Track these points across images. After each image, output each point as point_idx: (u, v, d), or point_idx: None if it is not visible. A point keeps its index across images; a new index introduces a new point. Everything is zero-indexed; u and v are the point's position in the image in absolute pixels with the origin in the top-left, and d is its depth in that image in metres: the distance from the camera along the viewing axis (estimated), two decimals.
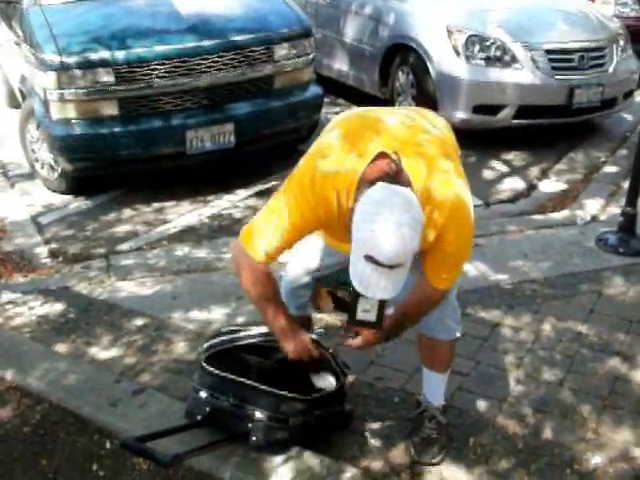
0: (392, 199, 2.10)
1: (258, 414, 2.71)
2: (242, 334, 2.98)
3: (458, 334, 2.88)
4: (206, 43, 5.56)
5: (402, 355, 3.43)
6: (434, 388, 2.99)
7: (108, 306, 4.14)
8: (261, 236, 2.47)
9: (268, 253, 2.48)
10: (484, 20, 6.70)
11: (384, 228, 2.05)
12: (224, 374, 2.78)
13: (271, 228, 2.45)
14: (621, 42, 7.20)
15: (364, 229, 2.09)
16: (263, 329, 2.92)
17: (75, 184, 5.91)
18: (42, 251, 5.04)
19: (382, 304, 2.29)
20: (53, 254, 5.00)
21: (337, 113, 7.53)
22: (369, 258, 2.08)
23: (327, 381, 2.83)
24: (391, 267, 2.08)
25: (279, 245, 2.47)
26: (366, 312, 2.32)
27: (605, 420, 3.15)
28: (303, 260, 2.98)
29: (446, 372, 2.96)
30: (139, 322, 3.96)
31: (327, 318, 3.38)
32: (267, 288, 2.59)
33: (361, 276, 2.13)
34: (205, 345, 2.98)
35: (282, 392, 2.70)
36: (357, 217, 2.13)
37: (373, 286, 2.13)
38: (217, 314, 4.01)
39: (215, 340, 2.97)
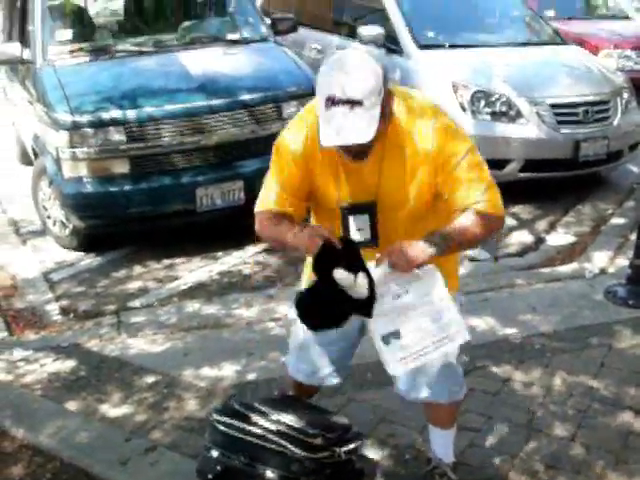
0: (348, 53, 2.27)
1: (269, 473, 2.70)
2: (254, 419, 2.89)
3: (461, 396, 2.85)
4: (215, 102, 5.65)
5: (412, 411, 3.42)
6: (442, 444, 2.98)
7: (119, 363, 4.16)
8: (266, 193, 2.62)
9: (275, 200, 2.57)
10: (489, 76, 6.80)
11: (338, 70, 2.19)
12: (235, 433, 2.78)
13: (270, 183, 2.61)
14: (625, 95, 7.28)
15: (322, 79, 2.22)
16: (277, 417, 2.85)
17: (86, 241, 5.96)
18: (53, 308, 5.07)
19: (373, 222, 2.37)
20: (64, 311, 5.03)
21: None
22: (329, 101, 2.17)
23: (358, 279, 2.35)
24: (350, 103, 2.14)
25: (279, 190, 2.56)
26: (360, 231, 2.37)
27: (618, 476, 3.13)
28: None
29: (451, 428, 2.96)
30: (150, 379, 3.97)
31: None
32: (274, 221, 2.59)
33: (330, 125, 2.18)
34: (215, 416, 2.93)
35: (294, 451, 2.69)
36: (318, 77, 2.26)
37: (343, 130, 2.16)
38: (228, 371, 4.02)
39: (226, 419, 2.90)
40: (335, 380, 2.96)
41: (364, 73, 2.19)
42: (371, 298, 2.31)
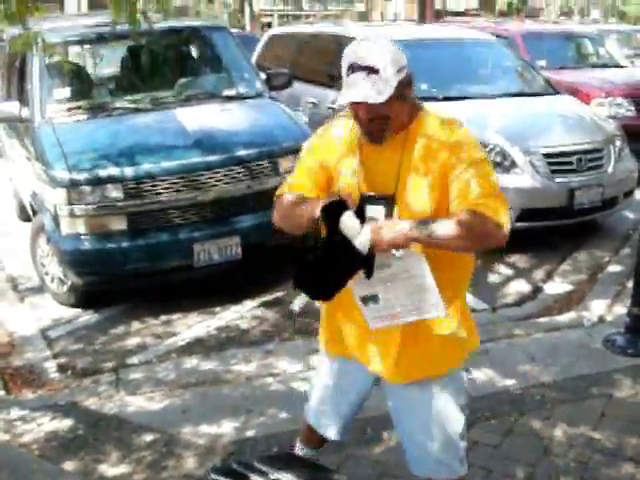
0: (374, 35, 2.47)
1: None
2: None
3: (462, 472, 2.77)
4: (212, 158, 5.70)
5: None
6: None
7: (117, 421, 4.14)
8: (284, 183, 2.75)
9: (290, 185, 2.68)
10: (483, 126, 6.87)
11: (362, 44, 2.39)
12: None
13: (290, 178, 2.75)
14: (618, 142, 7.36)
15: (347, 51, 2.40)
16: (276, 476, 2.84)
17: (84, 298, 5.96)
18: (51, 365, 5.05)
19: (389, 214, 2.41)
20: (62, 368, 5.00)
21: None
22: (350, 69, 2.36)
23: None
24: (368, 70, 2.31)
25: (296, 179, 2.68)
26: (372, 221, 2.35)
27: None
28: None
29: None
30: (148, 437, 3.95)
31: None
32: (288, 202, 2.62)
33: (348, 89, 2.34)
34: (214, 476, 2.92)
35: None
36: (345, 50, 2.42)
37: (358, 90, 2.32)
38: (227, 428, 4.00)
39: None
40: (335, 436, 2.98)
41: (384, 47, 2.38)
42: (371, 257, 2.32)
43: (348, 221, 2.30)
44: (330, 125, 2.71)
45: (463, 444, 2.74)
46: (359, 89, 2.32)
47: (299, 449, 3.19)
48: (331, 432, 2.99)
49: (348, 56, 2.38)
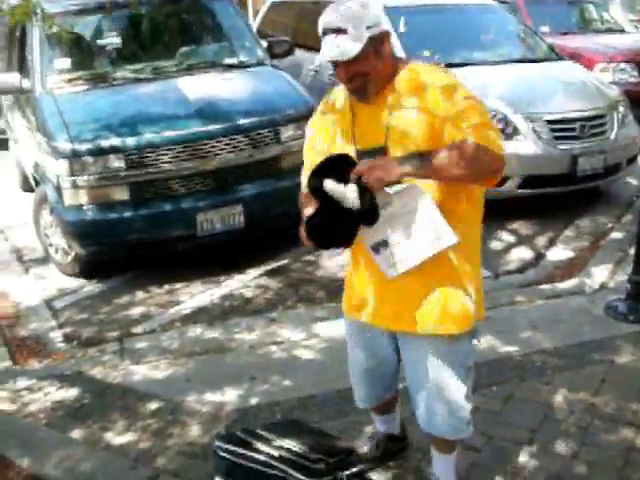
0: None
1: None
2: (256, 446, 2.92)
3: (464, 434, 2.87)
4: (213, 127, 5.70)
5: (415, 434, 3.43)
6: (443, 467, 3.02)
7: (122, 390, 4.18)
8: (302, 179, 2.77)
9: (304, 183, 2.71)
10: (485, 93, 6.79)
11: (331, 7, 2.50)
12: (238, 460, 2.80)
13: (303, 169, 2.81)
14: (621, 109, 7.31)
15: (321, 17, 2.51)
16: (279, 443, 2.88)
17: (88, 268, 6.00)
18: (56, 335, 5.09)
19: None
20: (67, 338, 5.05)
21: None
22: (323, 33, 2.49)
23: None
24: (336, 31, 2.43)
25: (305, 172, 2.74)
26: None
27: None
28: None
29: (452, 453, 2.99)
30: (153, 406, 3.99)
31: None
32: (301, 204, 2.68)
33: (324, 48, 2.47)
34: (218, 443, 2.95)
35: (297, 477, 2.72)
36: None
37: (330, 49, 2.45)
38: (231, 395, 4.04)
39: (229, 446, 2.92)
40: (388, 395, 3.13)
41: (350, 9, 2.47)
42: (369, 209, 2.39)
43: (330, 186, 2.39)
44: (322, 102, 2.82)
45: (469, 406, 2.81)
46: (331, 48, 2.45)
47: (378, 422, 3.36)
48: (385, 395, 3.11)
49: (320, 22, 2.51)
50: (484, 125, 2.44)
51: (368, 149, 2.56)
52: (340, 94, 2.72)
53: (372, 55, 2.49)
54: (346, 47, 2.42)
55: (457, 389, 2.75)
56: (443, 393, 2.74)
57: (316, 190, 2.44)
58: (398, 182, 2.41)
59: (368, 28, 2.45)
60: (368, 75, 2.51)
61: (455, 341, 2.70)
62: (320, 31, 2.51)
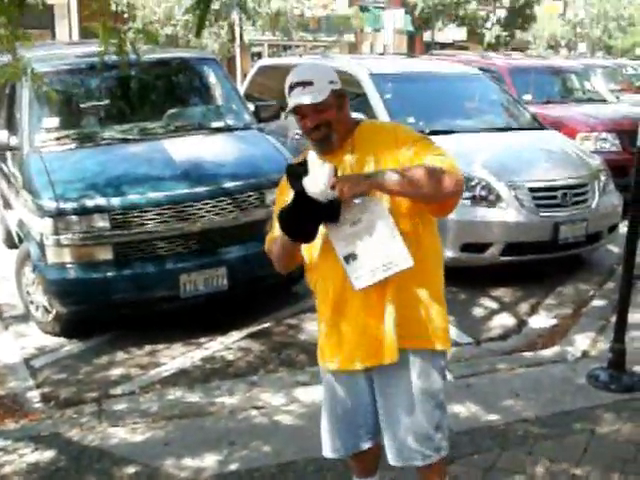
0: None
1: None
2: None
3: (434, 459, 2.94)
4: (199, 189, 5.73)
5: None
6: None
7: (99, 453, 4.12)
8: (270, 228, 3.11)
9: (270, 236, 3.04)
10: (469, 161, 6.91)
11: (296, 69, 2.85)
12: None
13: (273, 222, 3.00)
14: (602, 177, 7.43)
15: (287, 79, 2.82)
16: None
17: (69, 326, 5.94)
18: (34, 395, 5.02)
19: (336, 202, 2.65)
20: (45, 398, 4.98)
21: None
22: (290, 88, 2.78)
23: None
24: (303, 84, 2.74)
25: (273, 228, 2.98)
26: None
27: None
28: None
29: None
30: (130, 470, 3.93)
31: None
32: (269, 248, 3.08)
33: (291, 99, 2.76)
34: None
35: None
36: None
37: (298, 98, 2.74)
38: (209, 461, 3.99)
39: None
40: (370, 443, 3.09)
41: (315, 66, 3.01)
42: (333, 205, 2.65)
43: (311, 157, 2.66)
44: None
45: (445, 422, 2.97)
46: (299, 97, 2.74)
47: None
48: (364, 444, 3.08)
49: (288, 80, 2.81)
50: (441, 155, 2.75)
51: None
52: (305, 154, 2.85)
53: (334, 106, 2.79)
54: (313, 94, 2.73)
55: (436, 403, 2.89)
56: (423, 407, 2.86)
57: (293, 184, 2.68)
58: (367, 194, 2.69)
59: (330, 82, 2.80)
60: (331, 125, 2.78)
61: (436, 358, 2.89)
62: (288, 87, 2.80)
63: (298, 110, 2.78)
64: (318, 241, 2.79)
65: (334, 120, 2.78)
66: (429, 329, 2.85)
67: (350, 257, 2.74)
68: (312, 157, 2.66)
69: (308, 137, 2.84)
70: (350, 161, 2.82)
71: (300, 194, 2.64)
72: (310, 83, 2.75)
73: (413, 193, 2.66)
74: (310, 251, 2.89)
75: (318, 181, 2.60)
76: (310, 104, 2.73)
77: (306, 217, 2.68)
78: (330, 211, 2.67)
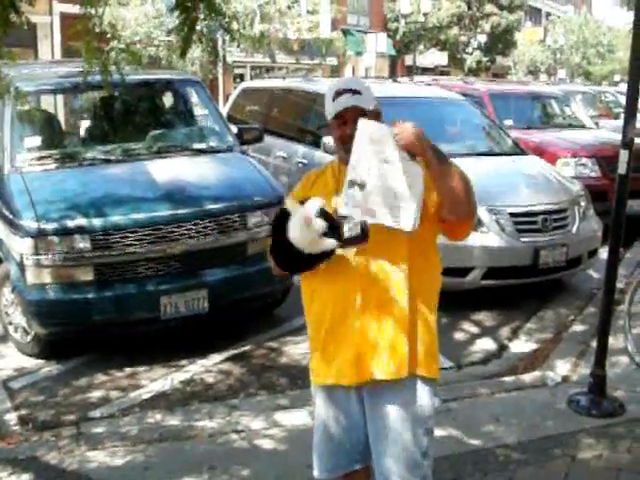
0: None
1: None
2: None
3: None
4: (181, 211, 5.72)
5: None
6: None
7: (77, 477, 4.07)
8: None
9: None
10: None
11: (341, 79, 2.91)
12: None
13: None
14: (582, 203, 7.49)
15: (329, 88, 2.92)
16: None
17: (48, 348, 5.88)
18: (11, 418, 4.97)
19: (364, 223, 2.64)
20: (23, 421, 4.92)
21: None
22: (336, 94, 2.84)
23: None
24: (351, 91, 2.84)
25: None
26: (351, 230, 2.66)
27: None
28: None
29: None
30: None
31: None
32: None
33: (337, 103, 2.84)
34: None
35: None
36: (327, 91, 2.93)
37: (345, 99, 2.82)
38: None
39: None
40: (359, 465, 3.04)
41: (360, 80, 3.11)
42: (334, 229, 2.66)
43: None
44: (305, 177, 3.07)
45: (432, 450, 2.93)
46: (347, 100, 2.82)
47: None
48: (355, 465, 3.04)
49: (333, 88, 2.89)
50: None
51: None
52: (324, 169, 3.01)
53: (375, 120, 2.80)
54: (361, 101, 2.83)
55: (424, 430, 2.87)
56: (405, 443, 2.83)
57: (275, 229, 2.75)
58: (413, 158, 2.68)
59: (374, 98, 2.90)
60: None
61: (427, 385, 2.88)
62: (333, 93, 2.86)
63: (341, 115, 2.83)
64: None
65: None
66: (423, 356, 2.85)
67: (357, 185, 2.67)
68: (289, 203, 2.73)
69: (343, 145, 2.84)
70: None
71: (280, 238, 2.71)
72: (359, 92, 2.85)
73: (447, 188, 2.72)
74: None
75: (294, 227, 2.66)
76: (358, 108, 2.80)
77: (292, 258, 2.73)
78: (311, 260, 2.72)
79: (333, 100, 2.86)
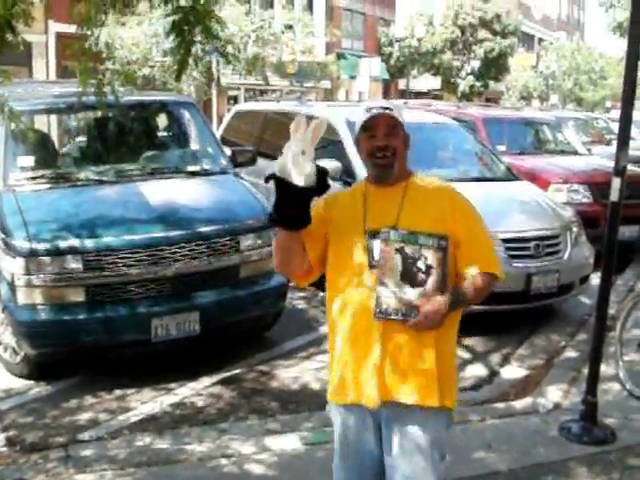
0: None
1: None
2: None
3: None
4: (174, 233, 5.71)
5: None
6: None
7: None
8: None
9: None
10: None
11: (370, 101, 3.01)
12: None
13: None
14: (574, 229, 7.51)
15: (361, 109, 2.96)
16: None
17: (37, 369, 5.85)
18: None
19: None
20: (10, 442, 4.87)
21: (302, 298, 7.69)
22: (367, 110, 2.89)
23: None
24: (383, 108, 2.88)
25: None
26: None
27: None
28: None
29: None
30: None
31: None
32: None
33: (369, 114, 2.88)
34: None
35: None
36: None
37: (378, 109, 2.89)
38: None
39: None
40: None
41: (391, 102, 3.04)
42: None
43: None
44: (332, 195, 3.03)
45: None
46: (380, 109, 2.86)
47: None
48: None
49: (367, 105, 2.94)
50: (492, 250, 2.99)
51: (378, 229, 2.82)
52: (350, 189, 3.09)
53: (402, 139, 2.91)
54: (394, 113, 2.86)
55: (433, 467, 2.86)
56: (421, 468, 2.84)
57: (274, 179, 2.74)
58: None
59: (403, 122, 2.90)
60: (396, 154, 2.87)
61: (444, 413, 2.90)
62: (364, 110, 2.89)
63: (373, 126, 2.87)
64: (353, 261, 2.86)
65: (399, 151, 2.89)
66: (447, 385, 2.89)
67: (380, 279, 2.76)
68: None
69: (372, 160, 2.90)
70: (400, 203, 2.88)
71: (276, 180, 2.74)
72: (390, 109, 2.87)
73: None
74: (337, 273, 2.93)
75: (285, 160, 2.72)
76: (390, 118, 2.85)
77: (287, 201, 2.76)
78: (304, 193, 2.74)
79: (364, 115, 2.90)
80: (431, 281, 2.74)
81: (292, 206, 2.77)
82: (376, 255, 2.80)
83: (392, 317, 2.74)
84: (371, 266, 2.82)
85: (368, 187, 2.96)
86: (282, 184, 2.73)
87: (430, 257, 2.74)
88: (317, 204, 2.92)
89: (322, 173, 2.77)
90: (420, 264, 2.74)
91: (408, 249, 2.76)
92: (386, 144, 2.86)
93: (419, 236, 2.76)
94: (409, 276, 2.76)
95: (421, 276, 2.74)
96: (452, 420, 3.01)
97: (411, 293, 2.74)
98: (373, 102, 2.99)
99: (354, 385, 2.88)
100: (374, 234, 2.82)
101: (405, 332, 2.78)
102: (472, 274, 2.86)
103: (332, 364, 3.00)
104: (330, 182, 2.86)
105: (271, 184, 2.78)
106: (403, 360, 2.81)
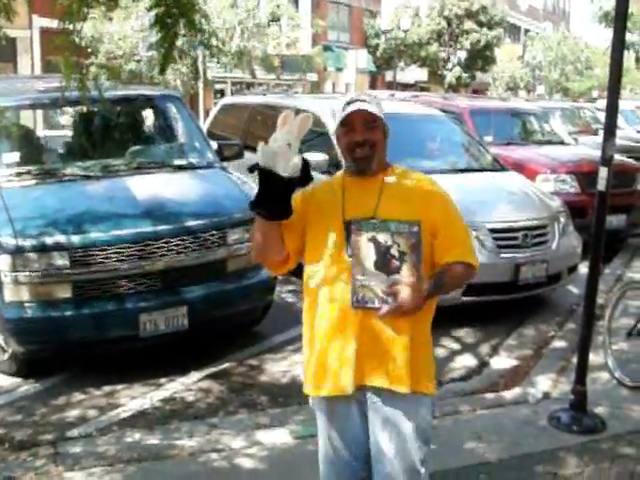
0: None
1: None
2: None
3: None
4: (161, 228, 5.67)
5: None
6: None
7: None
8: None
9: None
10: None
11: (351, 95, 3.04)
12: None
13: None
14: (562, 219, 7.53)
15: (344, 102, 2.98)
16: None
17: (25, 366, 5.81)
18: None
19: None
20: None
21: (291, 291, 7.68)
22: (347, 104, 2.92)
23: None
24: (362, 100, 2.90)
25: None
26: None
27: None
28: None
29: None
30: None
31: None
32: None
33: (348, 109, 2.91)
34: None
35: None
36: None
37: (357, 105, 2.89)
38: None
39: None
40: (362, 475, 3.10)
41: (371, 95, 3.01)
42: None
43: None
44: (312, 187, 3.03)
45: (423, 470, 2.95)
46: (359, 106, 2.86)
47: None
48: (359, 474, 3.09)
49: (347, 98, 2.97)
50: (468, 241, 3.02)
51: (358, 218, 2.83)
52: (328, 180, 3.11)
53: (381, 132, 2.92)
54: (372, 108, 2.87)
55: (416, 453, 2.90)
56: (406, 452, 2.89)
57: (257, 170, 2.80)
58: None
59: (383, 112, 2.91)
60: (375, 147, 2.89)
61: (426, 399, 2.95)
62: (344, 104, 2.92)
63: (351, 121, 2.88)
64: (331, 252, 2.88)
65: (378, 144, 2.91)
66: (419, 373, 2.91)
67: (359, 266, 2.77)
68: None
69: (350, 154, 2.92)
70: (378, 194, 2.90)
71: (260, 170, 2.78)
72: (368, 102, 2.89)
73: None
74: (315, 264, 2.95)
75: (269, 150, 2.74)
76: (368, 114, 2.86)
77: (270, 191, 2.79)
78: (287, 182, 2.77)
79: (344, 109, 2.91)
80: (405, 267, 2.73)
81: (275, 197, 2.80)
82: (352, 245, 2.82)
83: (369, 305, 2.76)
84: (349, 256, 2.83)
85: (346, 179, 3.00)
86: (266, 174, 2.76)
87: (402, 244, 2.73)
88: (294, 198, 2.94)
89: (305, 165, 2.78)
90: (393, 251, 2.74)
91: (380, 237, 2.76)
92: (365, 138, 2.88)
93: (390, 224, 2.76)
94: (383, 264, 2.75)
95: (395, 263, 2.74)
96: (434, 406, 3.05)
97: (386, 280, 2.74)
98: (353, 95, 3.01)
99: (332, 375, 2.90)
100: (351, 222, 2.84)
101: (382, 320, 2.79)
102: (449, 262, 2.89)
103: (310, 357, 3.01)
104: (316, 174, 2.86)
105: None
106: (378, 347, 2.85)
